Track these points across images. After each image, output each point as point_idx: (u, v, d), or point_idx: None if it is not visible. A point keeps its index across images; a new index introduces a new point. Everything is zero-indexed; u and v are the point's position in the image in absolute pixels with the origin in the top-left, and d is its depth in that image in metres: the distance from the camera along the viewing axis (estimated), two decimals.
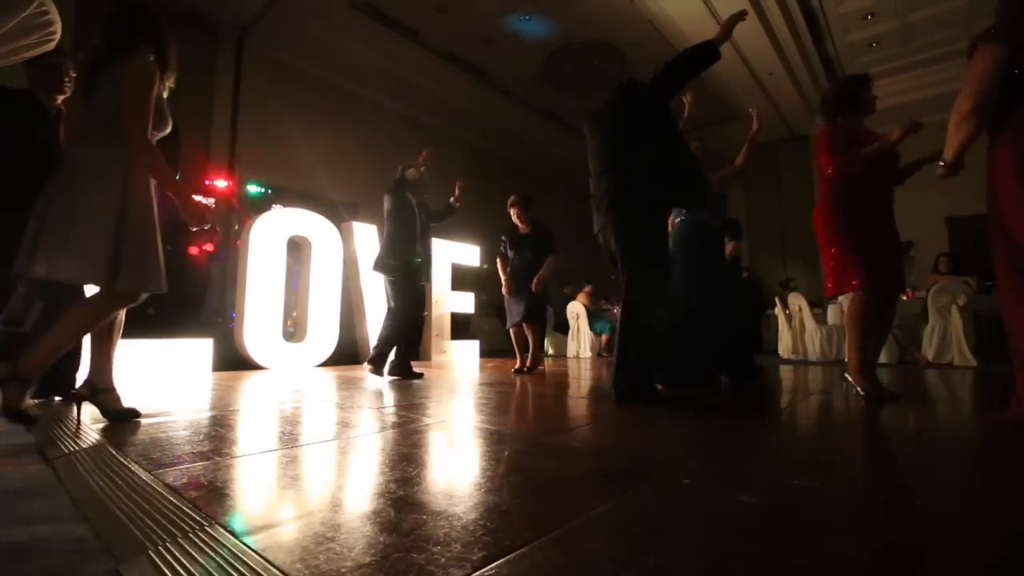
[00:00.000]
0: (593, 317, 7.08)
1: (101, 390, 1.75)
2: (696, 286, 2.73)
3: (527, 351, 4.03)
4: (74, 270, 1.58)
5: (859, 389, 2.27)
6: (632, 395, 2.18)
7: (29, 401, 1.65)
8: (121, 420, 1.73)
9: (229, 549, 0.72)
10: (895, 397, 2.25)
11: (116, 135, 1.63)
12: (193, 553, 0.71)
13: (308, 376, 3.63)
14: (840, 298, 6.03)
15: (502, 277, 4.05)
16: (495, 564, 0.67)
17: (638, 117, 2.30)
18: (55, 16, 1.71)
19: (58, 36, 1.78)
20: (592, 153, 2.50)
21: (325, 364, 4.45)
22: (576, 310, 7.03)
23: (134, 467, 1.14)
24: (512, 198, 4.05)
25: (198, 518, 0.84)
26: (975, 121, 1.54)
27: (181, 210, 1.79)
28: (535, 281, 3.84)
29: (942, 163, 1.69)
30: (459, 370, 4.35)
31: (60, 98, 2.24)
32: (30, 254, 1.58)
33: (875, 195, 2.28)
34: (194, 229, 1.85)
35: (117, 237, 1.61)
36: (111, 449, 1.32)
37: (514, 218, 4.05)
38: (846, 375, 2.37)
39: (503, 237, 4.11)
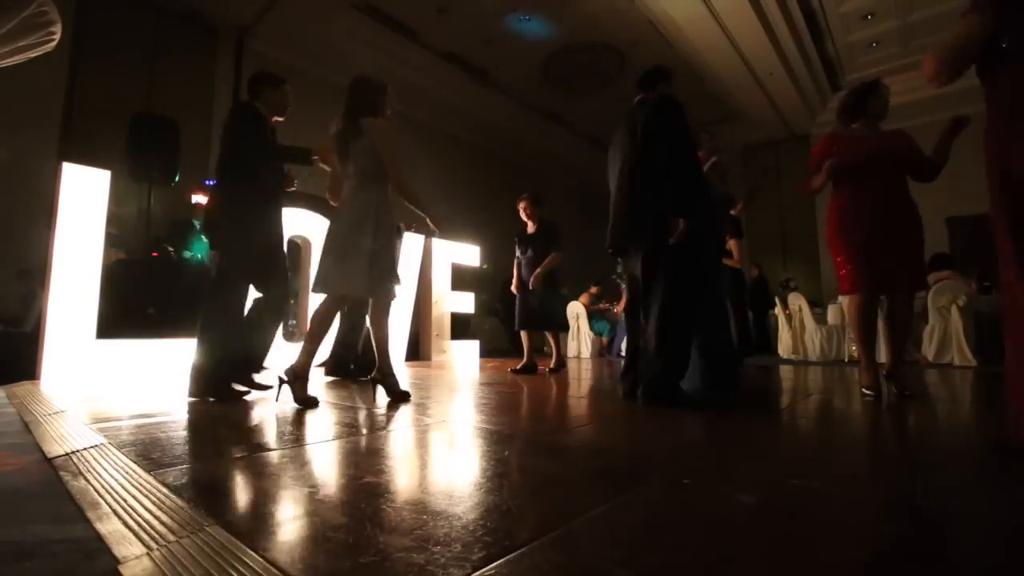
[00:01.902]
0: (593, 317, 7.08)
1: (388, 375, 2.31)
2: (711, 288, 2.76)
3: (551, 351, 4.07)
4: (361, 289, 2.19)
5: (861, 384, 2.37)
6: (662, 396, 2.16)
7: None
8: (401, 400, 2.26)
9: (229, 549, 0.72)
10: (910, 394, 2.33)
11: (370, 184, 2.23)
12: (193, 553, 0.71)
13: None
14: (840, 297, 6.06)
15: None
16: (495, 564, 0.67)
17: (670, 132, 2.24)
18: (55, 16, 1.72)
19: (58, 36, 1.78)
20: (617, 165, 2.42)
21: (325, 364, 4.44)
22: (576, 310, 7.02)
23: (134, 467, 1.15)
24: (522, 195, 4.07)
25: (198, 518, 0.84)
26: (940, 82, 1.48)
27: (430, 220, 2.38)
28: (532, 278, 3.84)
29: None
30: (459, 370, 4.35)
31: (276, 118, 2.60)
32: (327, 278, 2.20)
33: (874, 198, 2.30)
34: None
35: (372, 264, 2.17)
36: (111, 449, 1.32)
37: (521, 214, 4.05)
38: (882, 375, 2.45)
39: (516, 238, 4.13)
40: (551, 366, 3.99)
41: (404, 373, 3.90)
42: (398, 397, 2.29)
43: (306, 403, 2.11)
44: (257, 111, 2.48)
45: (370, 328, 2.34)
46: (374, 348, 2.32)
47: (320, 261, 2.24)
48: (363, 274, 2.16)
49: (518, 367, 3.95)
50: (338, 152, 2.30)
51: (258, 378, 2.53)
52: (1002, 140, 1.36)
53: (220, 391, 2.31)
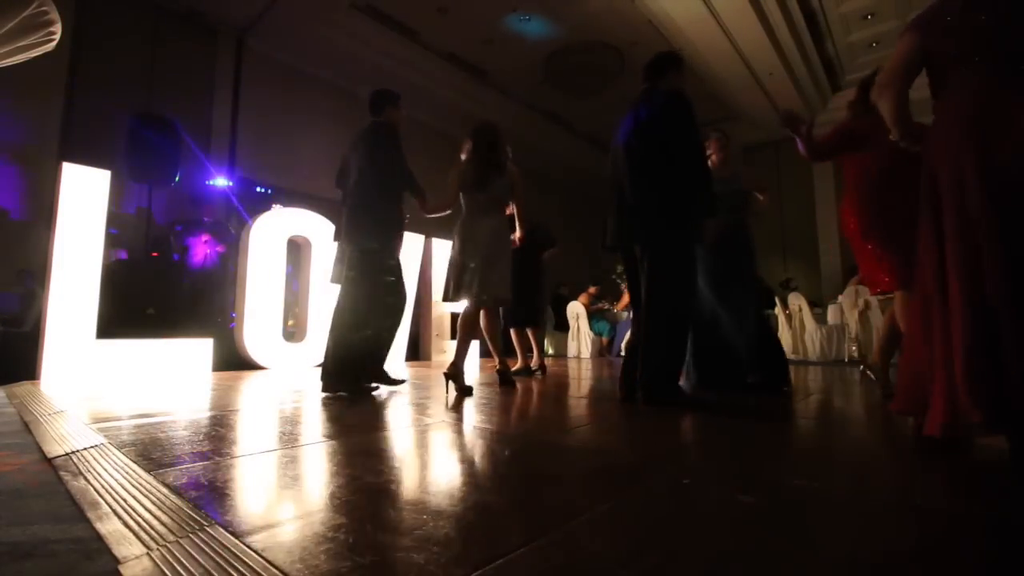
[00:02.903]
0: (593, 317, 7.08)
1: (461, 372, 2.62)
2: (732, 289, 2.75)
3: (528, 351, 4.05)
4: (499, 297, 2.72)
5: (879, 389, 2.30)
6: (660, 396, 2.14)
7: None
8: (466, 395, 2.52)
9: (229, 549, 0.72)
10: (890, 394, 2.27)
11: (499, 210, 2.85)
12: (193, 553, 0.71)
13: (308, 376, 3.63)
14: (840, 297, 6.05)
15: None
16: (495, 564, 0.67)
17: (681, 130, 2.20)
18: (55, 16, 1.72)
19: (58, 36, 1.78)
20: (625, 154, 2.31)
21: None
22: (576, 310, 7.03)
23: (134, 467, 1.15)
24: None
25: (198, 518, 0.84)
26: (887, 98, 1.53)
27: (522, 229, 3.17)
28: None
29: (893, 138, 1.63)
30: None
31: None
32: (468, 287, 2.68)
33: (906, 195, 2.21)
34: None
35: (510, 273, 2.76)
36: (111, 449, 1.32)
37: None
38: (868, 371, 2.35)
39: None
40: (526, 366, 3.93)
41: (404, 373, 3.90)
42: (467, 392, 2.60)
43: (465, 392, 2.56)
44: (397, 133, 2.73)
45: (486, 326, 2.94)
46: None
47: (464, 271, 2.70)
48: (508, 280, 2.73)
49: (513, 368, 3.95)
50: (476, 180, 2.77)
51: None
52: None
53: (351, 386, 2.55)
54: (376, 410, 2.08)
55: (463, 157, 2.99)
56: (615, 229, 2.32)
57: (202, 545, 0.74)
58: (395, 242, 2.74)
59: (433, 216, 2.84)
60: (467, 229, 2.76)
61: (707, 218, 2.25)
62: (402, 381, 2.79)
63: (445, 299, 2.85)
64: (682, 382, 2.72)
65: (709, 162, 2.95)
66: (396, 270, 2.72)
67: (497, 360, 2.84)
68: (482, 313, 2.89)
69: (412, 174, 2.73)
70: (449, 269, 2.79)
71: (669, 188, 2.15)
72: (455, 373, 2.58)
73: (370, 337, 2.62)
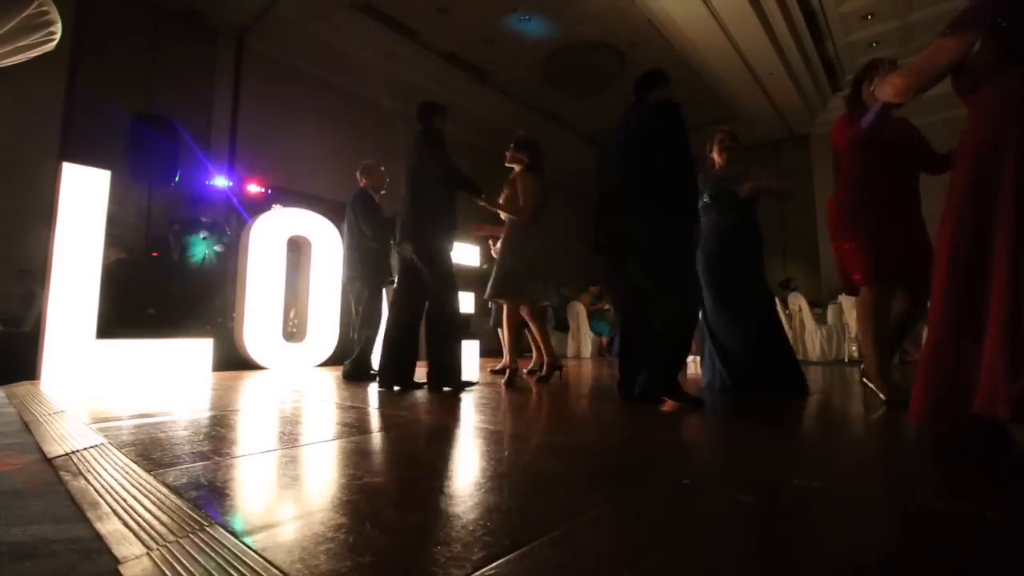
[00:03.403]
0: (593, 317, 7.08)
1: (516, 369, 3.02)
2: (734, 288, 2.74)
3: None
4: (546, 296, 3.15)
5: (880, 394, 2.15)
6: (660, 396, 2.15)
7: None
8: (511, 385, 2.89)
9: (229, 549, 0.72)
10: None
11: (538, 219, 3.17)
12: (193, 553, 0.71)
13: (308, 376, 3.63)
14: (840, 297, 6.05)
15: None
16: (495, 564, 0.67)
17: (670, 136, 2.26)
18: (55, 16, 1.72)
19: (58, 36, 1.79)
20: (618, 163, 2.40)
21: (325, 364, 4.44)
22: (576, 310, 7.03)
23: (134, 467, 1.14)
24: None
25: (198, 518, 0.84)
26: (906, 99, 1.58)
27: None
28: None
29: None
30: None
31: None
32: (530, 290, 3.05)
33: (890, 190, 2.16)
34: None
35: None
36: (111, 449, 1.31)
37: None
38: (864, 379, 2.29)
39: None
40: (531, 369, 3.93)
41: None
42: (513, 383, 2.94)
43: (509, 383, 2.92)
44: (443, 138, 2.84)
45: (532, 323, 3.25)
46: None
47: (520, 275, 2.99)
48: (551, 285, 3.11)
49: (497, 367, 3.95)
50: (544, 193, 3.15)
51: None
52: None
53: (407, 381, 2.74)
54: (376, 410, 2.08)
55: (518, 168, 3.24)
56: (604, 233, 2.40)
57: (202, 545, 0.74)
58: (416, 241, 2.75)
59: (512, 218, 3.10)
60: (531, 237, 3.07)
61: (693, 223, 2.28)
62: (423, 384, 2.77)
63: (500, 298, 3.13)
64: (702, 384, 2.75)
65: (716, 162, 2.94)
66: (408, 270, 2.79)
67: (502, 359, 3.02)
68: (527, 313, 3.20)
69: (461, 172, 2.80)
70: (510, 271, 3.02)
71: (658, 192, 2.21)
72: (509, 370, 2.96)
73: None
